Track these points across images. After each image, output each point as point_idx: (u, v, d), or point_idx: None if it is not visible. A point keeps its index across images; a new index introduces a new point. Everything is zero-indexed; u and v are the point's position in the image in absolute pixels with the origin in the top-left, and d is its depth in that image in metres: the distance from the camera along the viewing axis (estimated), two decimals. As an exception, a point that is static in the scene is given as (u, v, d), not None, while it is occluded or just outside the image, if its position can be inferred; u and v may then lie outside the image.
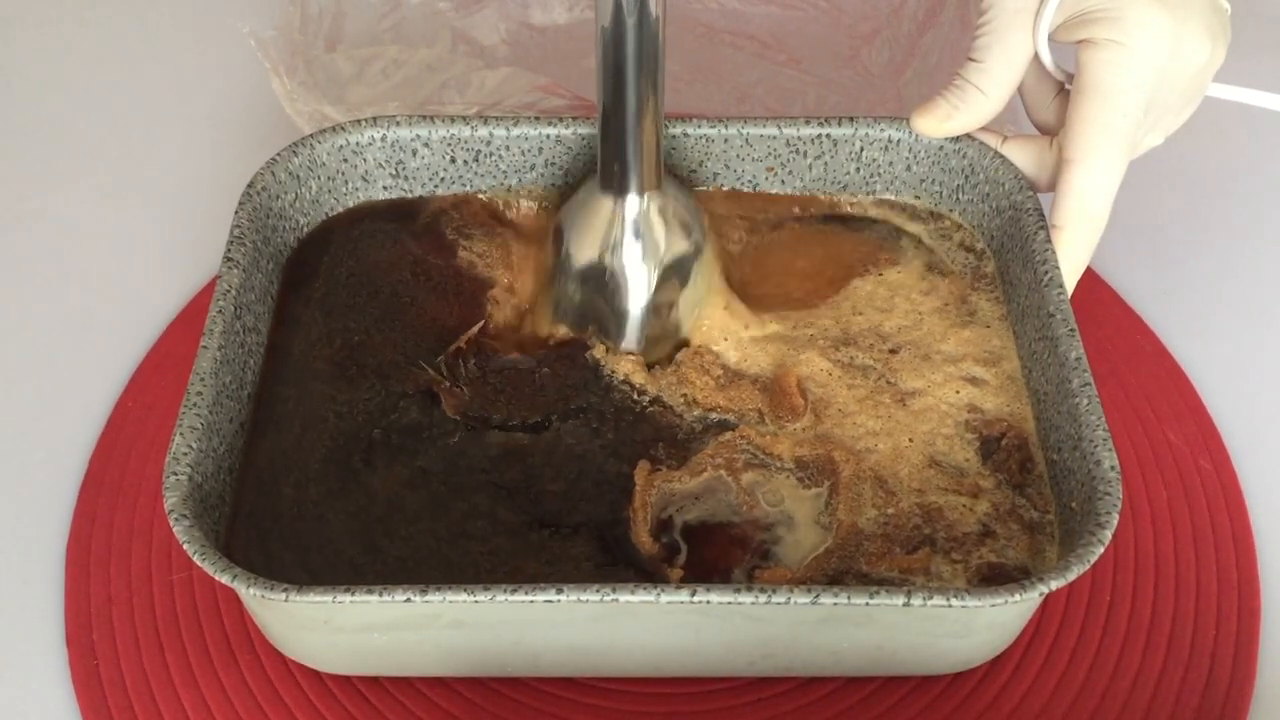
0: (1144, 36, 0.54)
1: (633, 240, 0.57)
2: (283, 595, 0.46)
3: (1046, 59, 0.58)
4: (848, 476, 0.54)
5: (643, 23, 0.52)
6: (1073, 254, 0.57)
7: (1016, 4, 0.56)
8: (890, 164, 0.63)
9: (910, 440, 0.56)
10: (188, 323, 0.67)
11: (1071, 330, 0.54)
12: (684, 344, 0.59)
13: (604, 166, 0.56)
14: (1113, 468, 0.50)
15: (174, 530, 0.48)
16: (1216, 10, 0.56)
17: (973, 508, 0.54)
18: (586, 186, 0.58)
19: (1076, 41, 0.56)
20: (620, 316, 0.58)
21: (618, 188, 0.57)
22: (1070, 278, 0.57)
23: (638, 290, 0.58)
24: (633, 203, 0.57)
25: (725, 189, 0.64)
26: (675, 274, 0.58)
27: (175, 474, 0.49)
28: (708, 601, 0.46)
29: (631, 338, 0.59)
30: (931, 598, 0.46)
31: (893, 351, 0.59)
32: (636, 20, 0.51)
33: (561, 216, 0.59)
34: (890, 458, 0.55)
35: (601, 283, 0.58)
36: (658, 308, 0.58)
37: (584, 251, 0.58)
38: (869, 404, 0.57)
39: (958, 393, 0.57)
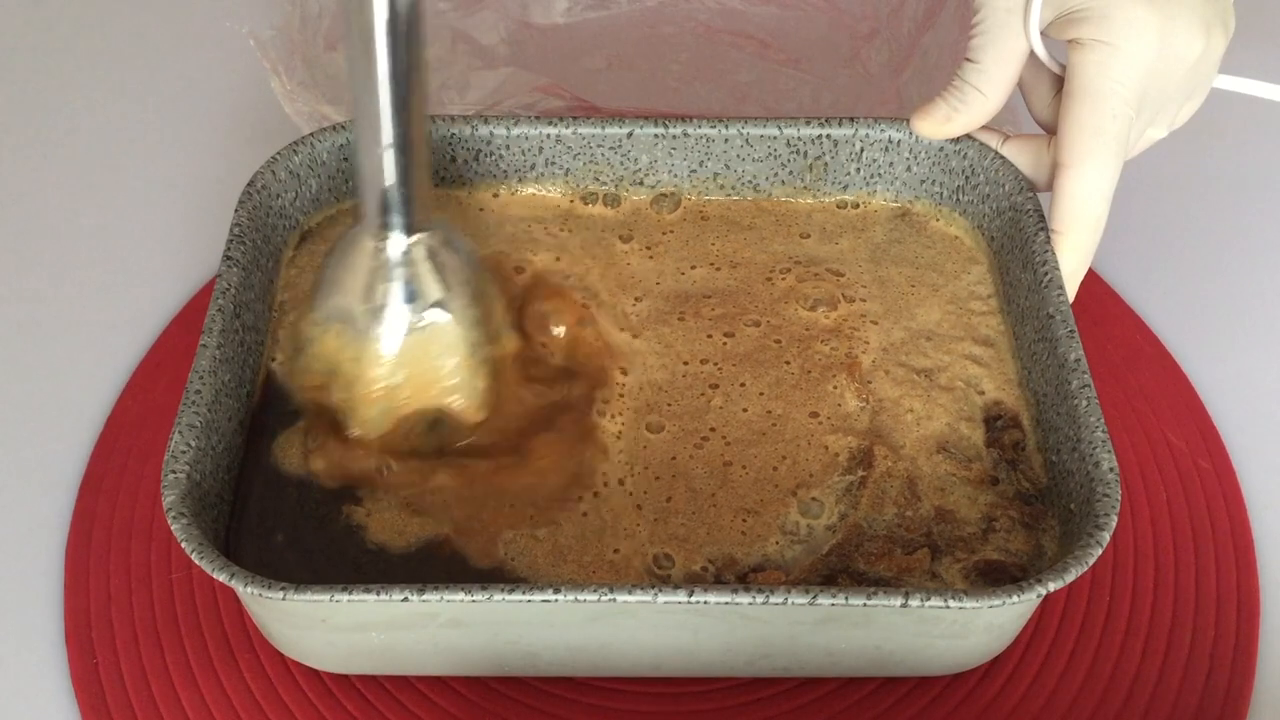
0: (1129, 35, 0.54)
1: (398, 282, 0.52)
2: (280, 594, 0.46)
3: (1043, 55, 0.58)
4: (879, 474, 0.54)
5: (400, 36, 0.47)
6: (1073, 258, 0.57)
7: (1006, 4, 0.56)
8: (890, 164, 0.63)
9: (943, 425, 0.56)
10: (187, 322, 0.67)
11: (1071, 332, 0.54)
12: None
13: (366, 206, 0.52)
14: (1111, 469, 0.50)
15: (172, 529, 0.48)
16: (1211, 1, 0.56)
17: (976, 498, 0.54)
18: (349, 234, 0.53)
19: (1067, 41, 0.56)
20: (364, 371, 0.53)
21: (383, 226, 0.52)
22: (1071, 281, 0.57)
23: (391, 335, 0.53)
24: (398, 242, 0.52)
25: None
26: (421, 329, 0.53)
27: (174, 472, 0.49)
28: (705, 602, 0.46)
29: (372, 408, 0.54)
30: (929, 599, 0.46)
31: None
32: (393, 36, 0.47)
33: (323, 261, 0.55)
34: (917, 448, 0.55)
35: (351, 325, 0.53)
36: (397, 355, 0.53)
37: (339, 295, 0.53)
38: (907, 384, 0.58)
39: (966, 369, 0.58)
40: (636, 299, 0.61)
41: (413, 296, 0.53)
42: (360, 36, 0.47)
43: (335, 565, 0.52)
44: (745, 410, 0.57)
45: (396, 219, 0.52)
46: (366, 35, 0.47)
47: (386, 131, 0.49)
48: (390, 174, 0.50)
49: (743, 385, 0.58)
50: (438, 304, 0.53)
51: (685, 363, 0.58)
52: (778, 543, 0.53)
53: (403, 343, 0.53)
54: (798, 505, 0.54)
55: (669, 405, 0.57)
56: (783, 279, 0.62)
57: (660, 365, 0.58)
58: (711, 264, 0.62)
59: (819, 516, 0.53)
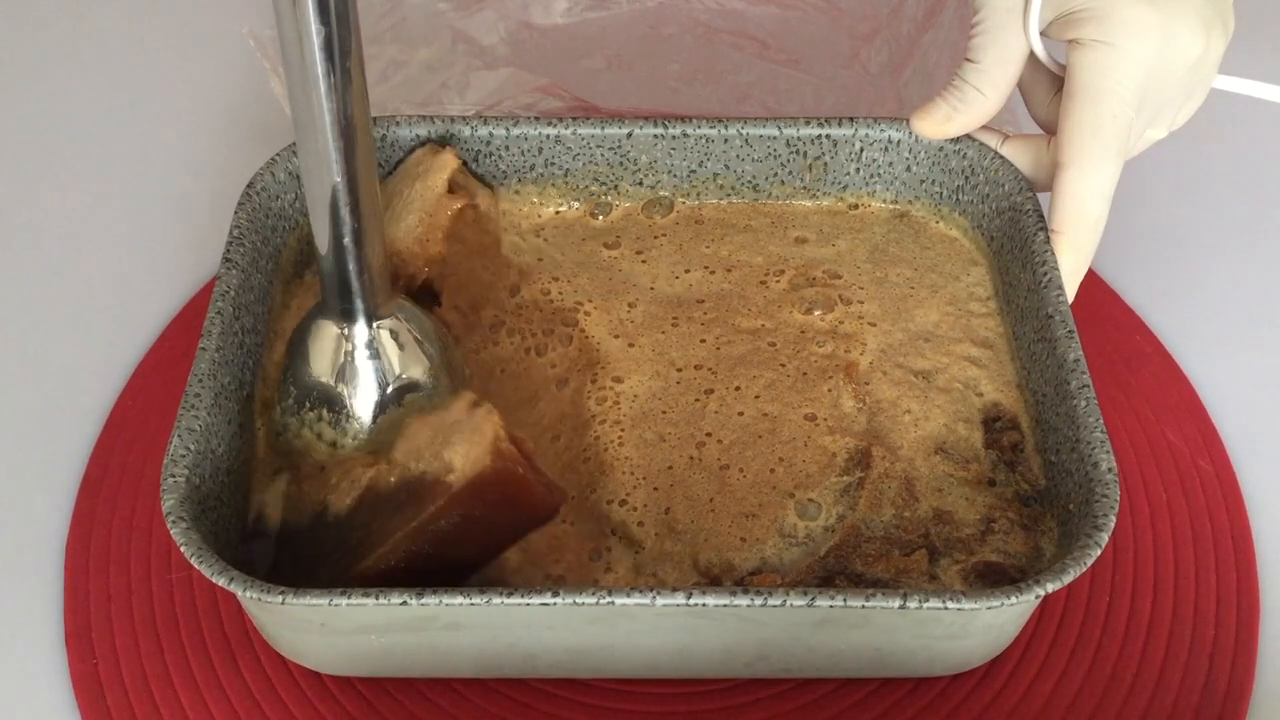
0: (1129, 35, 0.54)
1: (365, 364, 0.54)
2: (279, 598, 0.46)
3: (1042, 55, 0.58)
4: (877, 475, 0.54)
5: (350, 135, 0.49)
6: (1072, 257, 0.57)
7: (1006, 4, 0.56)
8: (890, 165, 0.63)
9: (940, 426, 0.56)
10: (187, 323, 0.67)
11: (1070, 332, 0.54)
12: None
13: (327, 295, 0.53)
14: (1110, 470, 0.50)
15: (171, 533, 0.48)
16: (1211, 0, 0.56)
17: (974, 499, 0.54)
18: (311, 316, 0.55)
19: (1067, 41, 0.56)
20: (343, 438, 0.54)
21: (345, 315, 0.54)
22: (1071, 281, 0.57)
23: (364, 414, 0.54)
24: (361, 330, 0.54)
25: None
26: (398, 404, 0.55)
27: (173, 476, 0.49)
28: (703, 604, 0.46)
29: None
30: (928, 600, 0.46)
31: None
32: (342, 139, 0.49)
33: (289, 342, 0.56)
34: (915, 449, 0.55)
35: (325, 404, 0.54)
36: (379, 432, 0.54)
37: (310, 377, 0.54)
38: (904, 385, 0.57)
39: (964, 371, 0.58)
40: (630, 305, 0.61)
41: (384, 379, 0.54)
42: (312, 147, 0.49)
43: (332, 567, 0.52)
44: (741, 414, 0.57)
45: (359, 305, 0.53)
46: (320, 147, 0.49)
47: (345, 227, 0.51)
48: (350, 266, 0.52)
49: (738, 389, 0.58)
50: (408, 381, 0.54)
51: (679, 369, 0.58)
52: (775, 546, 0.53)
53: (380, 423, 0.54)
54: (795, 507, 0.54)
55: (664, 413, 0.57)
56: (778, 281, 0.61)
57: (654, 372, 0.58)
58: (706, 267, 0.62)
59: (816, 518, 0.53)
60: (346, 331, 0.54)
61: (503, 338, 0.59)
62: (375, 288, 0.53)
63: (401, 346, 0.54)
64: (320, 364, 0.54)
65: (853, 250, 0.63)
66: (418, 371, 0.55)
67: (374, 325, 0.54)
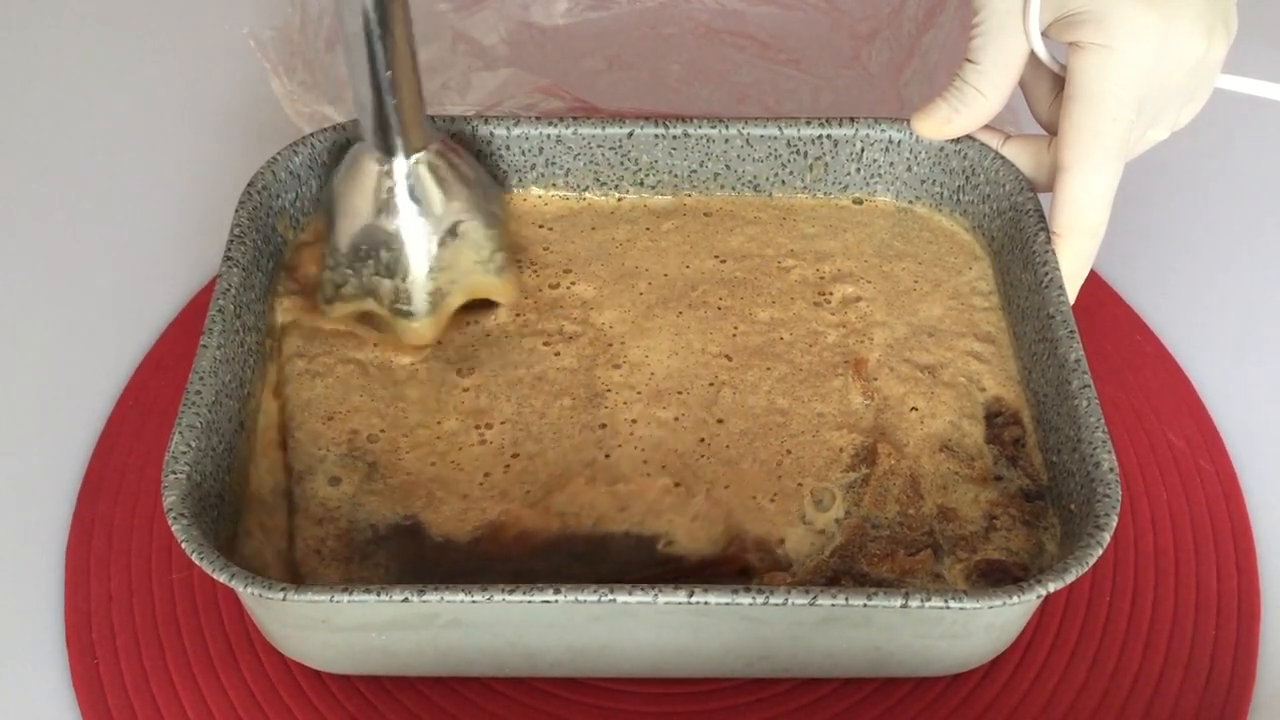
0: (1128, 37, 0.54)
1: (407, 200, 0.56)
2: (280, 595, 0.46)
3: (1043, 56, 0.58)
4: (882, 472, 0.54)
5: None
6: (1073, 260, 0.57)
7: (1006, 5, 0.56)
8: (891, 165, 0.63)
9: (945, 423, 0.56)
10: (188, 323, 0.67)
11: (1071, 332, 0.54)
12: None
13: (364, 132, 0.55)
14: (1111, 469, 0.50)
15: (172, 529, 0.48)
16: (1212, 2, 0.56)
17: (978, 496, 0.54)
18: (350, 155, 0.57)
19: (1067, 43, 0.56)
20: (402, 283, 0.57)
21: (384, 149, 0.55)
22: (1072, 283, 0.57)
23: (417, 252, 0.57)
24: (400, 164, 0.55)
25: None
26: (454, 234, 0.57)
27: (174, 473, 0.49)
28: (705, 603, 0.46)
29: (419, 303, 0.57)
30: (929, 599, 0.46)
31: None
32: None
33: (329, 190, 0.58)
34: (920, 446, 0.55)
35: (377, 250, 0.56)
36: (438, 270, 0.57)
37: (356, 220, 0.56)
38: (910, 381, 0.58)
39: (968, 365, 0.58)
40: (641, 292, 0.61)
41: (429, 210, 0.56)
42: None
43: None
44: (752, 404, 0.57)
45: (397, 140, 0.55)
46: None
47: (379, 61, 0.52)
48: (387, 99, 0.53)
49: (750, 379, 0.58)
50: (455, 212, 0.56)
51: (694, 353, 0.59)
52: (783, 539, 0.53)
53: (435, 254, 0.56)
54: (803, 500, 0.54)
55: (679, 394, 0.57)
56: (788, 274, 0.62)
57: (671, 352, 0.59)
58: (717, 257, 0.62)
59: (827, 511, 0.53)
60: (386, 167, 0.55)
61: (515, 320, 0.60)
62: (411, 121, 0.54)
63: (441, 180, 0.56)
64: (363, 204, 0.56)
65: (859, 244, 0.63)
66: (460, 204, 0.56)
67: (412, 159, 0.55)
